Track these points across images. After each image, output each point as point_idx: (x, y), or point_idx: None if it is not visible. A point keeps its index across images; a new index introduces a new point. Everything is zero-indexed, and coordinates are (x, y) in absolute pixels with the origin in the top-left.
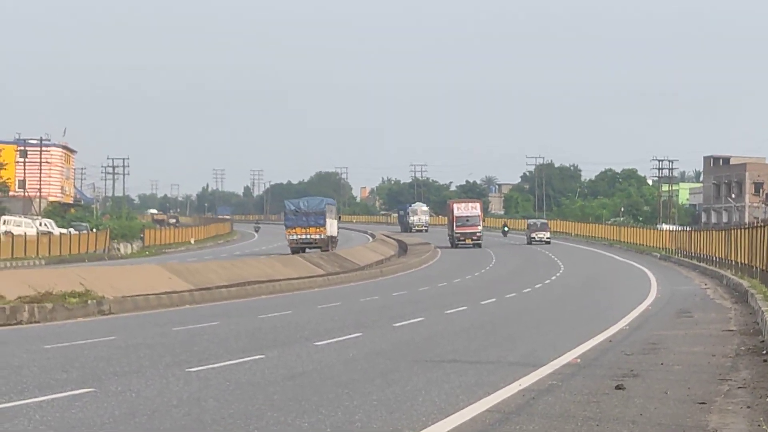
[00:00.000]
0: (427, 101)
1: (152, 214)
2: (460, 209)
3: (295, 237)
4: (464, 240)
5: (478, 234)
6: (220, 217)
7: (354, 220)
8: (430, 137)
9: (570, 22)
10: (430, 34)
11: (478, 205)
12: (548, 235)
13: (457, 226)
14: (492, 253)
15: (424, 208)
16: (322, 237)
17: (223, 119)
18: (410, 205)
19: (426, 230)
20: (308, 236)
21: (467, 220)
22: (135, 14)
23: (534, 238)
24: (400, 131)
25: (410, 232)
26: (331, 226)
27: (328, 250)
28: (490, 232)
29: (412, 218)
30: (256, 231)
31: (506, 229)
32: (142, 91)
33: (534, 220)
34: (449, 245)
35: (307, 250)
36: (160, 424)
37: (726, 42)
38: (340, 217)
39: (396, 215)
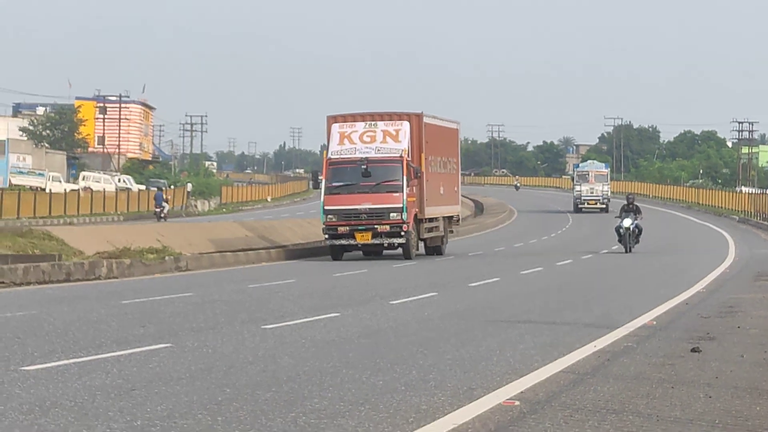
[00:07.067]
0: (505, 61)
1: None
2: (352, 134)
3: None
4: (343, 239)
5: (394, 228)
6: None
7: None
8: (507, 97)
9: None
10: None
11: (404, 127)
12: None
13: (329, 192)
14: (568, 216)
15: (602, 169)
16: None
17: (301, 78)
18: (578, 166)
19: (605, 208)
20: None
21: (369, 171)
22: None
23: None
24: (477, 90)
25: (579, 211)
26: None
27: None
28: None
29: (579, 188)
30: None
31: None
32: (221, 50)
33: None
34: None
35: None
36: (236, 380)
37: None
38: None
39: (469, 175)
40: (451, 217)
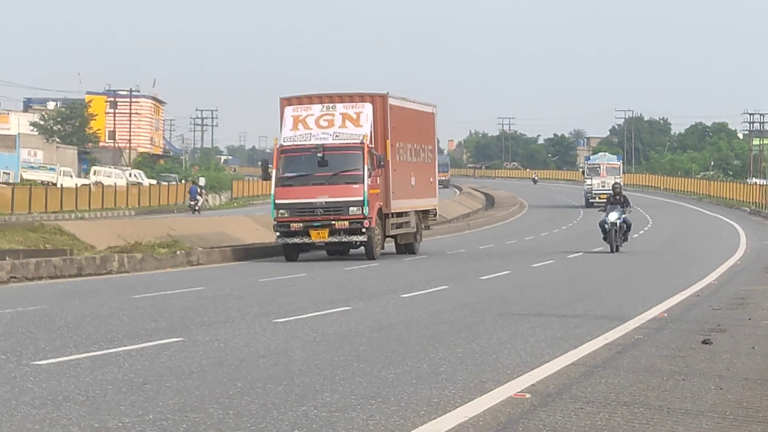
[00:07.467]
0: (516, 53)
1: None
2: (307, 117)
3: None
4: (297, 237)
5: (354, 224)
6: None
7: None
8: (518, 90)
9: None
10: None
11: (366, 109)
12: None
13: (281, 184)
14: (579, 210)
15: (614, 161)
16: (445, 179)
17: (310, 71)
18: (589, 158)
19: None
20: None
21: (325, 159)
22: None
23: None
24: (487, 83)
25: (591, 205)
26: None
27: (447, 187)
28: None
29: (590, 181)
30: None
31: None
32: (231, 44)
33: None
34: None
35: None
36: (247, 373)
37: None
38: None
39: (482, 168)
40: (427, 211)
